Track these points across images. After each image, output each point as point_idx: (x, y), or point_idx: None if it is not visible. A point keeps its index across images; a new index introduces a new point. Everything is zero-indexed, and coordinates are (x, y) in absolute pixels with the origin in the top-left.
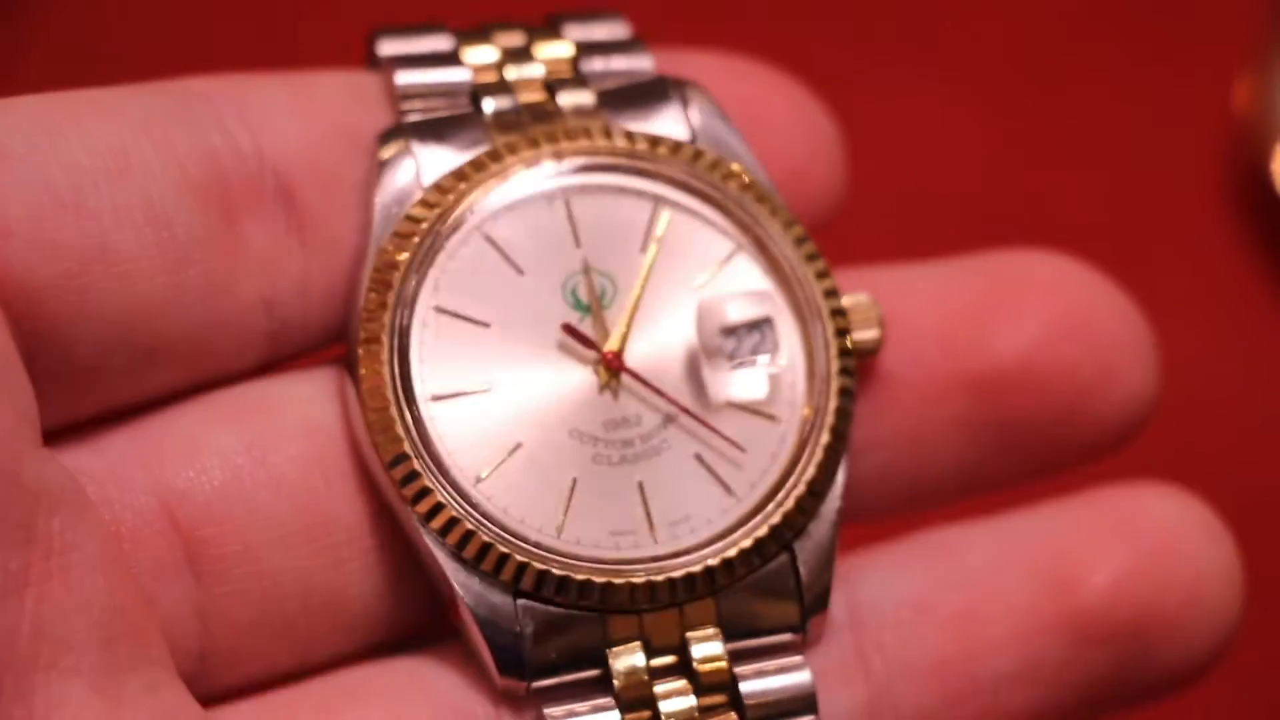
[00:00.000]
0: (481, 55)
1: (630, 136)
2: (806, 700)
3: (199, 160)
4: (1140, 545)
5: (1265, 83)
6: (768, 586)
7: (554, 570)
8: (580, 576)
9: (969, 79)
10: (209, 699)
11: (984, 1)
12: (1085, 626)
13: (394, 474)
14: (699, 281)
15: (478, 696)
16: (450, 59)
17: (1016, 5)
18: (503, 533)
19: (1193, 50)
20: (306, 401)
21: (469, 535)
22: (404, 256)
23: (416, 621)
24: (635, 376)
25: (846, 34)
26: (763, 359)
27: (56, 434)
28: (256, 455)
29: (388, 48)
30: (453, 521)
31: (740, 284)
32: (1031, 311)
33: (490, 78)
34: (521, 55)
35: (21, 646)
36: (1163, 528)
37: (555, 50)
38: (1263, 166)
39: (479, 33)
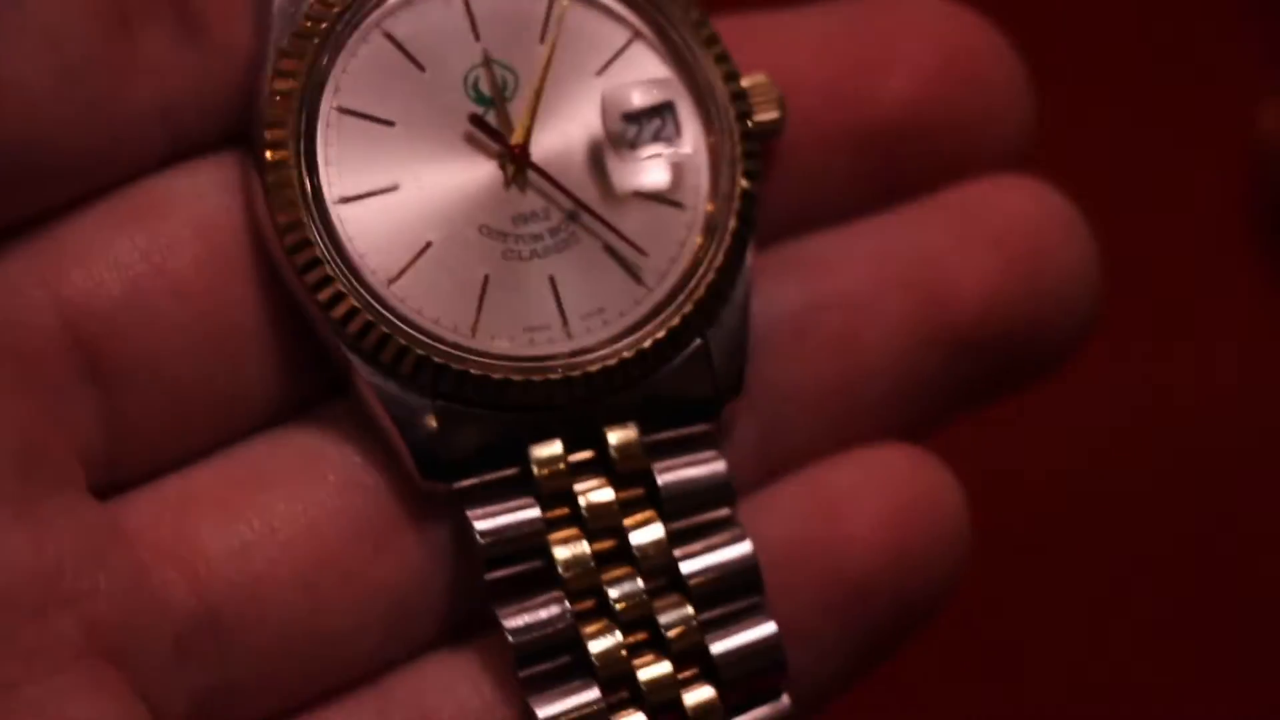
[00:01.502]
0: None
1: None
2: (722, 490)
3: None
4: (1007, 250)
5: None
6: (683, 376)
7: (472, 370)
8: (498, 375)
9: None
10: (114, 490)
11: (1001, 22)
12: (960, 339)
13: (307, 279)
14: (599, 70)
15: (379, 470)
16: None
17: (1037, 26)
18: (418, 334)
19: (1217, 73)
20: (203, 197)
21: (385, 338)
22: (305, 58)
23: (313, 397)
24: (540, 172)
25: None
26: (665, 145)
27: None
28: (155, 261)
29: None
30: (369, 325)
31: (640, 71)
32: (913, 59)
33: None
34: None
35: None
36: (1027, 227)
37: None
38: None
39: None
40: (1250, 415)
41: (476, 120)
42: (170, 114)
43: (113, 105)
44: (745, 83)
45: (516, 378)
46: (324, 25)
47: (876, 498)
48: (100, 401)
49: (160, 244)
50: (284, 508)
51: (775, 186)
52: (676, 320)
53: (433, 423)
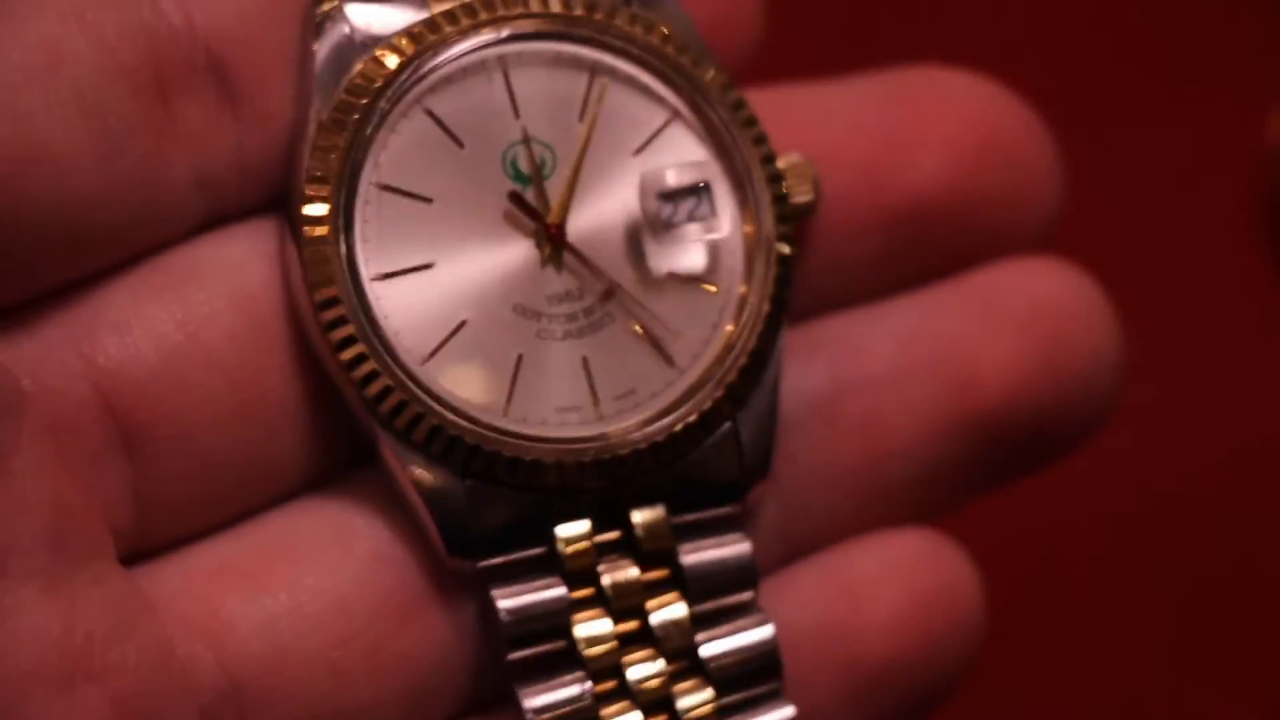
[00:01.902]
0: None
1: (566, 1)
2: (746, 574)
3: (131, 42)
4: (1032, 335)
5: None
6: (711, 458)
7: (505, 452)
8: (530, 457)
9: None
10: (142, 558)
11: (1013, 32)
12: (985, 425)
13: (341, 356)
14: (637, 149)
15: (407, 545)
16: None
17: (1046, 34)
18: (451, 414)
19: (1224, 82)
20: (239, 267)
21: (419, 418)
22: (346, 132)
23: (341, 468)
24: (575, 252)
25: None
26: (701, 226)
27: None
28: (190, 331)
29: None
30: (402, 404)
31: (678, 151)
32: (947, 137)
33: None
34: None
35: None
36: (1052, 312)
37: None
38: None
39: None
40: (1246, 417)
41: (514, 198)
42: (208, 182)
43: (150, 173)
44: (781, 164)
45: (548, 460)
46: (365, 100)
47: (896, 586)
48: (131, 471)
49: (196, 314)
50: (311, 581)
51: (807, 265)
52: (708, 404)
53: (462, 502)
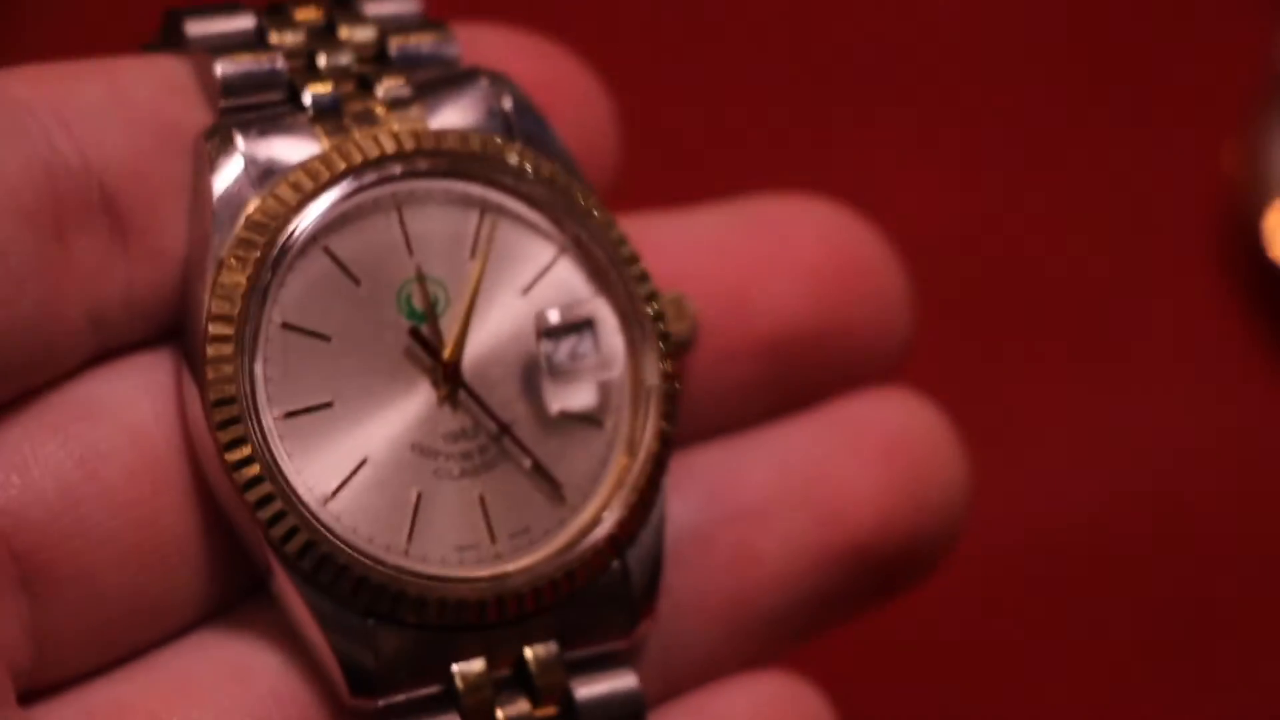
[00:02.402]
0: (289, 37)
1: (456, 137)
2: (634, 703)
3: (31, 182)
4: (895, 466)
5: (1256, 143)
6: (602, 595)
7: (409, 591)
8: (434, 596)
9: (957, 136)
10: (38, 697)
11: (972, 59)
12: (857, 556)
13: (248, 497)
14: (525, 288)
15: (306, 681)
16: (260, 42)
17: (1005, 61)
18: (355, 554)
19: (1184, 109)
20: (132, 404)
21: (325, 559)
22: (247, 273)
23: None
24: (468, 390)
25: (825, 92)
26: (591, 364)
27: None
28: (89, 469)
29: (195, 28)
30: (309, 545)
31: (565, 288)
32: (811, 267)
33: (303, 64)
34: (327, 37)
35: None
36: (909, 442)
37: (359, 33)
38: (1255, 227)
39: (278, 10)
40: (1207, 446)
41: (414, 333)
42: (100, 319)
43: (47, 314)
44: (664, 300)
45: (450, 599)
46: (264, 239)
47: None
48: (29, 610)
49: (94, 452)
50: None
51: (683, 394)
52: (600, 543)
53: (366, 641)
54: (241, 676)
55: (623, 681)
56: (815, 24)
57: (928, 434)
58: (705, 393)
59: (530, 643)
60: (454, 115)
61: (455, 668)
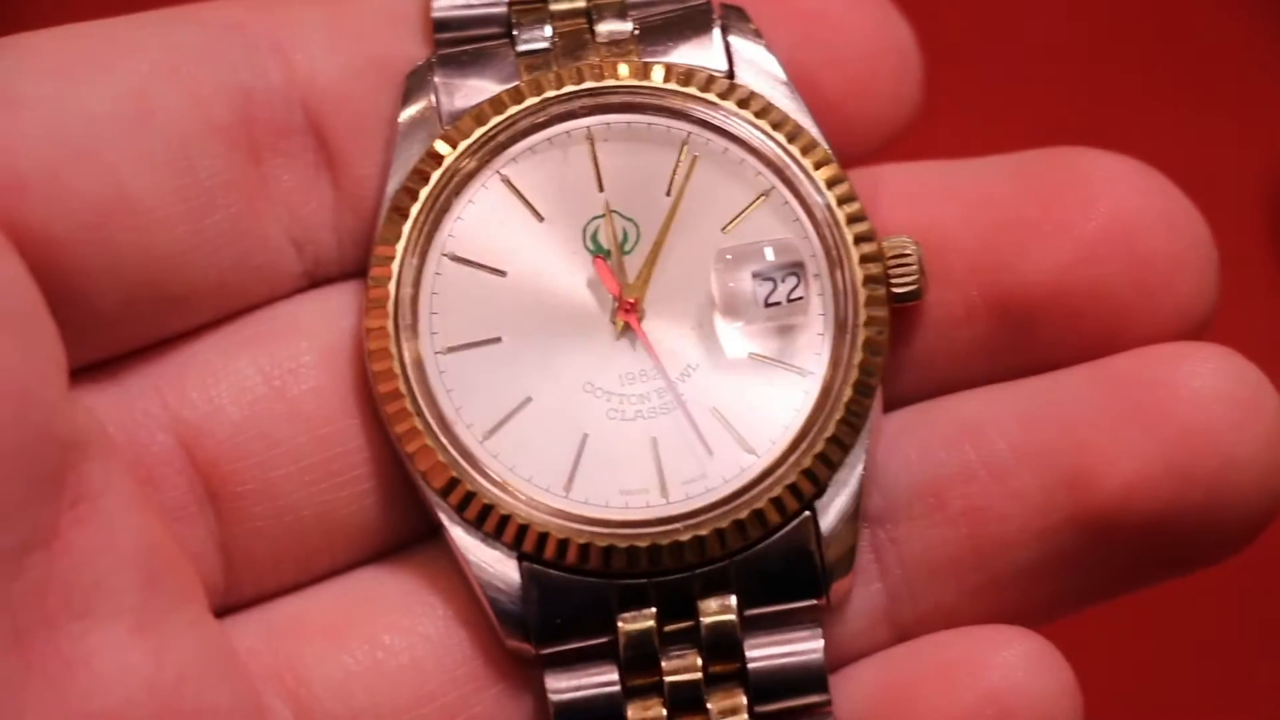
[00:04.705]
0: None
1: (662, 71)
2: (815, 677)
3: (227, 100)
4: (1162, 430)
5: None
6: (787, 548)
7: (553, 534)
8: (582, 540)
9: (1016, 113)
10: (225, 613)
11: (1033, 35)
12: (1101, 525)
13: (396, 430)
14: (724, 227)
15: (468, 624)
16: None
17: (1068, 40)
18: (505, 493)
19: (1240, 94)
20: (328, 325)
21: (470, 496)
22: (419, 201)
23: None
24: (647, 330)
25: None
26: (787, 308)
27: (78, 372)
28: (276, 385)
29: None
30: (454, 482)
31: (766, 230)
32: (1066, 227)
33: (526, 7)
34: None
35: (52, 599)
36: (1189, 406)
37: None
38: None
39: None
40: None
41: (600, 266)
42: (305, 243)
43: (242, 230)
44: (885, 245)
45: (600, 543)
46: (441, 168)
47: (961, 688)
48: (217, 525)
49: (282, 368)
50: (390, 639)
51: (913, 348)
52: (778, 490)
53: (517, 583)
54: (424, 598)
55: (803, 646)
56: None
57: (1219, 395)
58: (941, 350)
59: (706, 596)
60: (672, 51)
61: (620, 619)
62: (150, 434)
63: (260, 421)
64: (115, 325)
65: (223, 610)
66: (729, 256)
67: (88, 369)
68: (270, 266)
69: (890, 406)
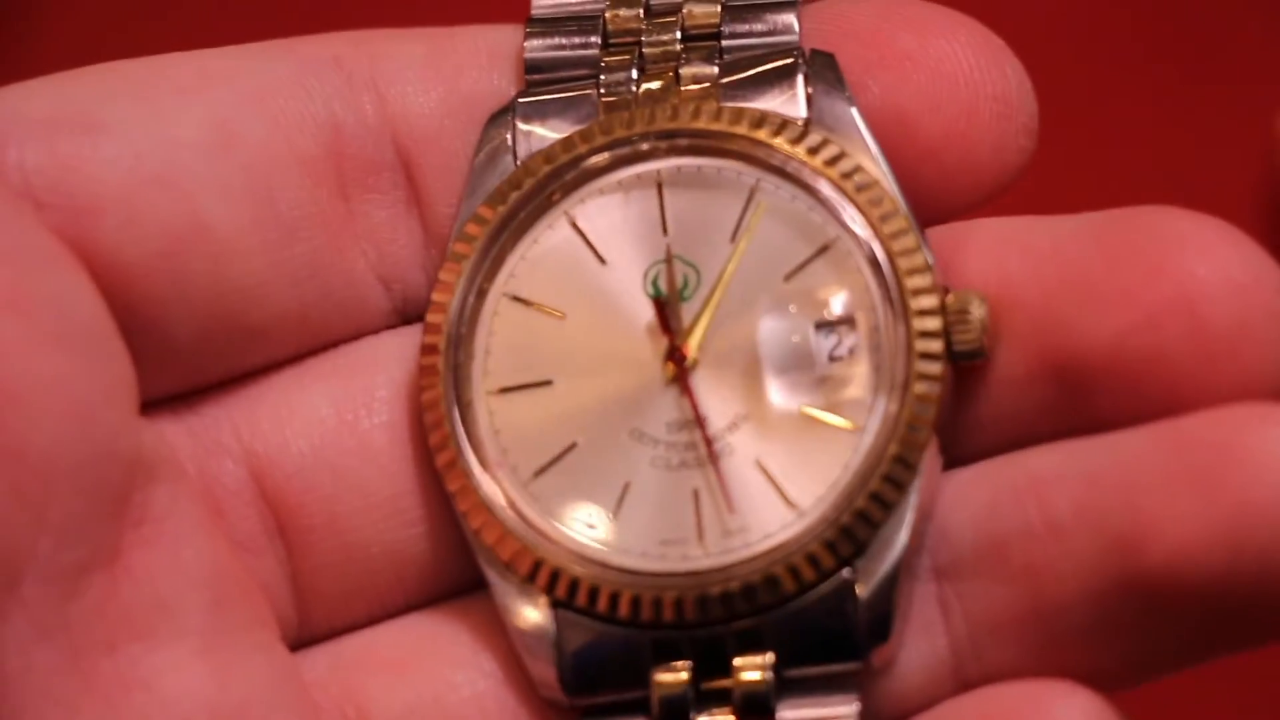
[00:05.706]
0: (623, 13)
1: (735, 116)
2: None
3: (314, 133)
4: (1216, 495)
5: None
6: (825, 609)
7: (584, 580)
8: (611, 589)
9: None
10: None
11: (1023, 20)
12: (1150, 591)
13: (437, 465)
14: (785, 276)
15: (512, 681)
16: (589, 25)
17: (1059, 24)
18: (542, 537)
19: (1236, 76)
20: (407, 357)
21: (503, 537)
22: (482, 239)
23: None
24: (687, 392)
25: None
26: (841, 363)
27: (157, 402)
28: (348, 419)
29: (540, 5)
30: (488, 523)
31: (828, 281)
32: (1131, 289)
33: (617, 50)
34: (660, 19)
35: (112, 619)
36: (1246, 471)
37: (700, 9)
38: None
39: None
40: None
41: (658, 308)
42: (393, 281)
43: (327, 269)
44: (949, 300)
45: (630, 592)
46: (505, 207)
47: None
48: (286, 558)
49: (355, 402)
50: (454, 676)
51: (977, 405)
52: (815, 547)
53: (549, 630)
54: (489, 636)
55: (837, 711)
56: None
57: (1273, 466)
58: (1003, 410)
59: (741, 653)
60: (753, 96)
61: (655, 673)
62: (221, 464)
63: (329, 454)
64: (192, 355)
65: (296, 644)
66: (791, 308)
67: (166, 400)
68: (356, 302)
69: (958, 463)
